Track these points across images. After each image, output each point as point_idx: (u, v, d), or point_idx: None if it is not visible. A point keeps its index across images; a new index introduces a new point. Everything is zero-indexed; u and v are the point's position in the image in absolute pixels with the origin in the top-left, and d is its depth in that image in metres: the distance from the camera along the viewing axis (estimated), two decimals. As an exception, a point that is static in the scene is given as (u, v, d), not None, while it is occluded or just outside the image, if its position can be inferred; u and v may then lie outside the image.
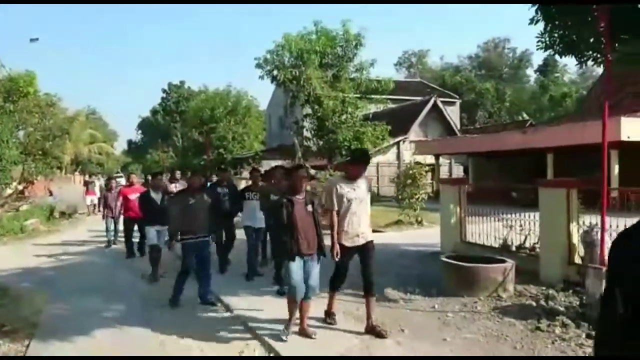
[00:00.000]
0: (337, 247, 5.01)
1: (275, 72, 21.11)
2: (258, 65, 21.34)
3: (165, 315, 6.09)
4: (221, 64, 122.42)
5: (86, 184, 24.53)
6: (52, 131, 22.22)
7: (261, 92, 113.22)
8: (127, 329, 5.63)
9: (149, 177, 11.90)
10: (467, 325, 5.29)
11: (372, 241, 5.31)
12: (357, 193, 5.20)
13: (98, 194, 20.35)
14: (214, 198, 7.49)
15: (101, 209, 13.80)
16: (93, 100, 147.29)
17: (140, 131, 75.22)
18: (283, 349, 4.76)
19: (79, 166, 34.26)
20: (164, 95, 67.18)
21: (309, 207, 5.09)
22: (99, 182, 23.45)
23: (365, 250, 5.20)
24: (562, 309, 5.70)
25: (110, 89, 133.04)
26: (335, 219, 5.11)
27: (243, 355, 4.78)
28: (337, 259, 5.06)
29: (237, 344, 5.03)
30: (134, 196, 9.99)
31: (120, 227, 11.70)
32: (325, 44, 20.77)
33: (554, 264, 7.06)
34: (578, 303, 5.80)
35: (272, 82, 22.78)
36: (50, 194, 24.44)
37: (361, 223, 5.19)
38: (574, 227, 7.01)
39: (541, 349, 4.66)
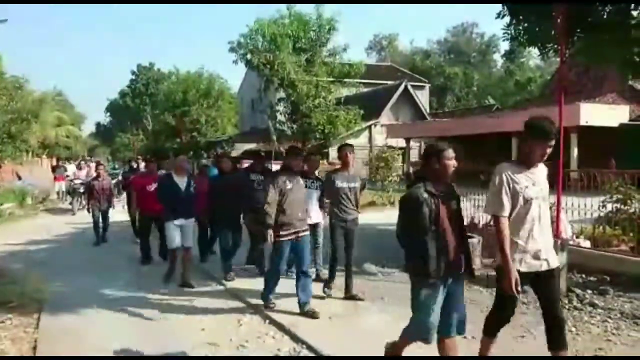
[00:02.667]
0: None
1: (249, 56, 21.31)
2: (231, 49, 21.47)
3: (162, 289, 6.52)
4: (193, 48, 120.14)
5: (54, 169, 24.03)
6: (20, 114, 21.84)
7: (233, 75, 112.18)
8: (126, 301, 6.04)
9: (150, 160, 10.12)
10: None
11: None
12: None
13: (78, 179, 18.60)
14: (247, 186, 6.93)
15: (81, 201, 13.04)
16: (60, 82, 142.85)
17: (108, 114, 73.77)
18: (278, 317, 5.26)
19: (46, 149, 33.61)
20: (133, 77, 65.98)
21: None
22: (70, 167, 23.13)
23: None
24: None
25: (77, 70, 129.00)
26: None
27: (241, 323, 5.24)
28: None
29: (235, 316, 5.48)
30: (152, 186, 7.95)
31: (117, 219, 11.03)
32: (298, 29, 21.02)
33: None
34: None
35: (246, 66, 22.95)
36: (19, 178, 24.13)
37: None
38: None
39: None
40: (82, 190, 13.12)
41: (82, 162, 25.99)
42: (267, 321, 5.24)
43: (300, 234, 5.35)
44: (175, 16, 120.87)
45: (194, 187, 6.77)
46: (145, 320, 5.41)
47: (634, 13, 6.53)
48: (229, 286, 6.61)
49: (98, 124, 79.73)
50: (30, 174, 24.56)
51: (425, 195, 3.27)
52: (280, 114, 22.45)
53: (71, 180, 18.53)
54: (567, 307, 5.37)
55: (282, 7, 22.11)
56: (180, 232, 6.50)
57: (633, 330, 4.71)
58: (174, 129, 30.68)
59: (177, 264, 6.60)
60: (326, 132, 21.18)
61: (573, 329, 4.71)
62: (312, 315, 5.21)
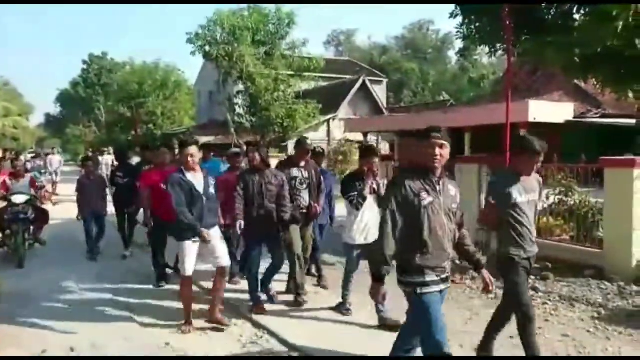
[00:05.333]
0: None
1: (207, 48, 21.14)
2: (189, 41, 21.23)
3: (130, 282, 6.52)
4: (149, 38, 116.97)
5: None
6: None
7: (190, 67, 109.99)
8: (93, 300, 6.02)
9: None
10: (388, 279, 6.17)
11: None
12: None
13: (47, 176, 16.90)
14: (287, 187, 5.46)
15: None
16: (6, 71, 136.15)
17: (59, 104, 71.02)
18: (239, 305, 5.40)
19: (-8, 141, 32.30)
20: (85, 66, 63.69)
21: None
22: (26, 160, 21.58)
23: None
24: (470, 265, 6.75)
25: (25, 58, 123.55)
26: None
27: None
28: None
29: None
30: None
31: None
32: (258, 21, 21.03)
33: (469, 230, 8.13)
34: (485, 259, 6.85)
35: (204, 57, 22.75)
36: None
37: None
38: (483, 197, 8.11)
39: (455, 294, 5.64)
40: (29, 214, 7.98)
41: (34, 155, 24.07)
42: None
43: None
44: (129, 5, 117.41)
45: (214, 186, 5.06)
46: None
47: (576, 16, 6.97)
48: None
49: (48, 115, 76.77)
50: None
51: None
52: (239, 106, 22.40)
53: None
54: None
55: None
56: (197, 253, 4.87)
57: (569, 311, 5.12)
58: (129, 120, 30.05)
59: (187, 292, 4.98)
60: (285, 125, 21.31)
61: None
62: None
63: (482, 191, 8.05)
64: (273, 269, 5.47)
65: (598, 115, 19.50)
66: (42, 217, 8.45)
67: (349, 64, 41.57)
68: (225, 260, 4.95)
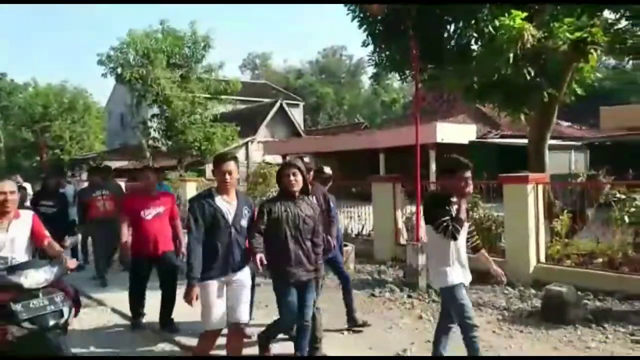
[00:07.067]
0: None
1: (119, 70, 20.58)
2: (100, 62, 20.59)
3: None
4: (54, 58, 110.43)
5: None
6: None
7: (99, 89, 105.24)
8: None
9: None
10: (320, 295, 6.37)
11: None
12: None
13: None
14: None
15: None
16: None
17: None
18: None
19: None
20: (-21, 87, 59.04)
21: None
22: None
23: None
24: (390, 279, 7.20)
25: None
26: None
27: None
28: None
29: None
30: (151, 212, 5.30)
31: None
32: (172, 44, 20.82)
33: (384, 246, 8.59)
34: (402, 274, 7.27)
35: (116, 80, 22.08)
36: None
37: None
38: (399, 214, 8.62)
39: (376, 309, 5.94)
40: None
41: None
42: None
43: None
44: (34, 24, 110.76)
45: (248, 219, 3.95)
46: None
47: (474, 47, 7.71)
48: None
49: None
50: None
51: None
52: (154, 130, 21.89)
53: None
54: (427, 300, 6.17)
55: (154, 22, 21.71)
56: (224, 298, 3.81)
57: (478, 315, 5.46)
58: (32, 146, 28.23)
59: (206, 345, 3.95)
60: (203, 148, 21.11)
61: (432, 318, 5.44)
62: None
63: (396, 208, 8.55)
64: (301, 329, 4.07)
65: (497, 136, 21.27)
66: None
67: (266, 87, 42.05)
68: (244, 315, 3.87)
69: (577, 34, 6.74)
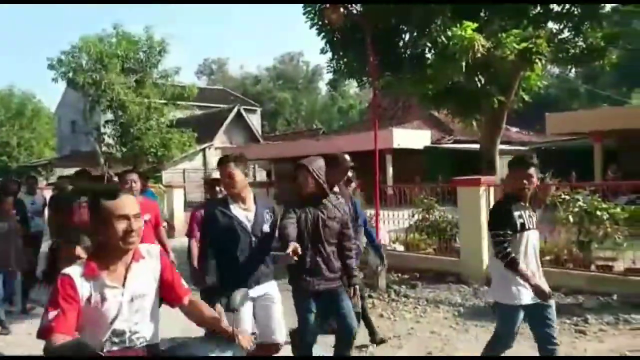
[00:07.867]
0: None
1: (71, 75, 20.05)
2: (51, 67, 20.03)
3: None
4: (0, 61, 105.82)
5: None
6: None
7: (48, 93, 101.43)
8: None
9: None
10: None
11: None
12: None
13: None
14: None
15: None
16: None
17: None
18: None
19: None
20: None
21: None
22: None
23: None
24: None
25: None
26: None
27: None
28: None
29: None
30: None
31: None
32: (127, 49, 20.47)
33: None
34: (362, 275, 7.45)
35: (68, 85, 21.50)
36: None
37: None
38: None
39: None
40: None
41: None
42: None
43: None
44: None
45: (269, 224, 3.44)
46: None
47: (428, 56, 8.04)
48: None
49: None
50: None
51: None
52: (109, 136, 21.40)
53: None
54: (387, 300, 6.37)
55: (107, 25, 21.29)
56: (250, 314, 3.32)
57: (436, 312, 5.84)
58: (-23, 153, 27.08)
59: None
60: (159, 154, 20.83)
61: (392, 316, 5.65)
62: None
63: (356, 212, 8.73)
64: (341, 346, 3.64)
65: (451, 141, 21.96)
66: None
67: (223, 93, 41.75)
68: (280, 334, 3.43)
69: (524, 44, 7.15)
